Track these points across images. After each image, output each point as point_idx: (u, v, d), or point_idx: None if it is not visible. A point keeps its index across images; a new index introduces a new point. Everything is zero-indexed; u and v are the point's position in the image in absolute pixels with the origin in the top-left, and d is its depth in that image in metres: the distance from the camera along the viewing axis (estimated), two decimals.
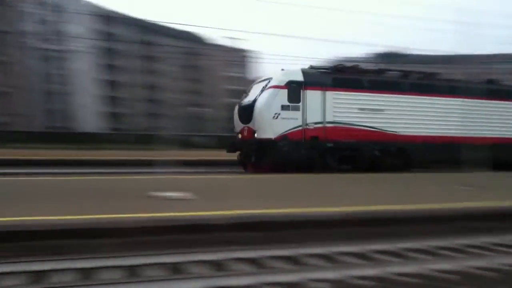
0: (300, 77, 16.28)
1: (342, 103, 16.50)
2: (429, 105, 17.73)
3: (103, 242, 6.64)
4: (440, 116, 17.81)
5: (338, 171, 15.84)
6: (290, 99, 15.88)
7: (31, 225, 6.63)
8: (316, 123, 16.03)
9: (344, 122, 16.45)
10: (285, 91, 15.92)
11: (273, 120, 15.76)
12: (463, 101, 18.06)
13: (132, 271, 5.66)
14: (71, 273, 5.53)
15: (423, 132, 17.50)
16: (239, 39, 50.67)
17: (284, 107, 15.79)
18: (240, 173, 16.77)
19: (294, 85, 16.07)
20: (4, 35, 35.05)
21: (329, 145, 16.18)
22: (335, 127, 16.29)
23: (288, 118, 15.79)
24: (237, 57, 69.95)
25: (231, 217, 7.37)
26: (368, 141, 16.68)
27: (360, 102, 16.83)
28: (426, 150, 17.22)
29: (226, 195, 10.13)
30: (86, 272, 5.59)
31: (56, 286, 5.10)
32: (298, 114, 15.85)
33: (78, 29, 49.40)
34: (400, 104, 17.36)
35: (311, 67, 17.86)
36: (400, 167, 16.50)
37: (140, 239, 6.84)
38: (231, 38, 53.37)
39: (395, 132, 16.97)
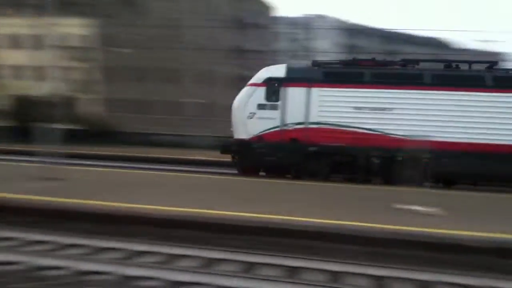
0: (281, 73, 14.60)
1: (330, 100, 14.08)
2: (458, 102, 13.54)
3: (350, 248, 6.85)
4: (475, 117, 13.42)
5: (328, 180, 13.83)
6: (268, 97, 14.39)
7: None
8: (297, 123, 14.03)
9: (332, 122, 13.99)
10: (263, 88, 14.50)
11: (247, 120, 14.50)
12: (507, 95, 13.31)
13: (379, 282, 5.68)
14: (322, 274, 5.91)
15: (447, 137, 13.38)
16: (492, 41, 44.77)
17: (260, 106, 14.44)
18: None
19: (274, 82, 14.42)
20: (259, 54, 40.32)
21: (312, 148, 13.98)
22: (320, 128, 13.99)
23: (265, 118, 14.32)
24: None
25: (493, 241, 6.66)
26: (364, 146, 13.71)
27: (355, 99, 13.97)
28: (451, 160, 13.17)
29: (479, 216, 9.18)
30: (334, 275, 5.88)
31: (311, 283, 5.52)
32: (276, 114, 14.29)
33: (324, 44, 52.55)
34: (413, 101, 13.69)
35: (314, 63, 15.47)
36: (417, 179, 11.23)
37: (385, 250, 6.80)
38: (482, 41, 48.25)
39: (405, 136, 13.25)
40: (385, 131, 13.64)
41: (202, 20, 34.32)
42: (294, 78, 14.39)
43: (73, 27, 32.81)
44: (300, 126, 14.14)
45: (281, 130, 14.27)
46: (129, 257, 6.49)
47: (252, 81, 15.00)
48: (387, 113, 13.69)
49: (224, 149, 15.38)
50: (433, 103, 13.48)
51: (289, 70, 14.77)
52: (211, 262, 6.30)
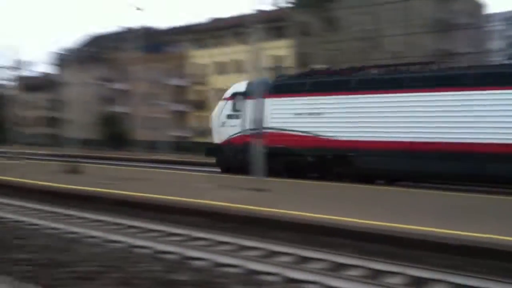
0: (243, 89, 17.25)
1: (276, 109, 16.33)
2: (384, 104, 14.32)
3: None
4: (400, 117, 14.03)
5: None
6: (234, 109, 17.33)
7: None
8: (253, 129, 14.74)
9: (278, 127, 16.30)
10: (230, 102, 17.55)
11: (220, 128, 17.71)
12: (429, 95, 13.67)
13: None
14: None
15: (373, 136, 14.35)
16: None
17: (229, 116, 17.40)
18: None
19: (239, 96, 17.19)
20: (467, 56, 36.41)
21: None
22: (269, 132, 15.61)
23: (232, 126, 17.17)
24: None
25: None
26: (300, 147, 15.77)
27: (296, 106, 16.03)
28: (378, 159, 14.17)
29: None
30: None
31: None
32: (239, 122, 16.97)
33: None
34: (339, 105, 15.02)
35: (278, 76, 18.92)
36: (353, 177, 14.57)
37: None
38: None
39: (332, 137, 15.00)
40: (317, 133, 15.48)
41: (401, 27, 33.08)
42: (251, 91, 15.54)
43: (272, 49, 35.17)
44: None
45: (242, 135, 16.76)
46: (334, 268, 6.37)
47: (224, 96, 18.36)
48: (318, 118, 15.53)
49: (207, 152, 19.19)
50: (356, 106, 14.71)
51: (249, 85, 16.92)
52: None
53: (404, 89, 14.12)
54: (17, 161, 22.20)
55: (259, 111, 14.51)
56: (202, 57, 50.52)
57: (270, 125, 16.07)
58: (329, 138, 15.06)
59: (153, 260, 6.10)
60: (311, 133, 15.59)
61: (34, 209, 10.72)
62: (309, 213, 8.75)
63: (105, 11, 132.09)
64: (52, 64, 65.72)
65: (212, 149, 18.41)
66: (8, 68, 23.45)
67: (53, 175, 15.42)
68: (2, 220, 9.23)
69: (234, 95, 17.65)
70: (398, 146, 13.89)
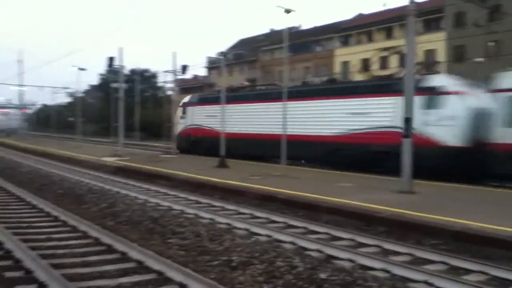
0: (187, 100, 28.26)
1: (198, 113, 26.52)
2: (239, 110, 23.08)
3: None
4: (252, 118, 22.88)
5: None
6: (183, 113, 27.85)
7: None
8: (189, 125, 26.91)
9: (199, 124, 26.20)
10: (181, 108, 28.35)
11: (178, 125, 28.29)
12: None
13: None
14: None
15: (239, 130, 22.48)
16: None
17: (181, 117, 27.96)
18: None
19: (185, 104, 28.02)
20: None
21: (193, 139, 26.49)
22: (195, 128, 26.46)
23: (182, 123, 27.68)
24: None
25: None
26: (208, 136, 24.62)
27: (205, 112, 25.72)
28: (241, 144, 21.95)
29: None
30: None
31: None
32: (185, 121, 27.42)
33: None
34: (227, 111, 20.79)
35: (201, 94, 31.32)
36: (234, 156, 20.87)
37: None
38: None
39: (220, 130, 20.48)
40: (214, 127, 23.67)
41: None
42: (191, 102, 27.67)
43: (424, 43, 33.08)
44: (190, 127, 26.90)
45: (185, 129, 27.20)
46: None
47: (179, 104, 28.81)
48: (214, 119, 23.65)
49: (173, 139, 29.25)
50: (232, 112, 22.15)
51: (191, 97, 28.38)
52: None
53: (264, 100, 22.62)
54: (171, 155, 24.95)
55: (191, 115, 26.87)
56: (348, 55, 49.90)
57: (196, 123, 26.49)
58: (219, 130, 20.78)
59: (295, 255, 6.19)
60: (212, 128, 24.40)
61: (187, 199, 11.73)
62: (463, 220, 8.06)
63: (255, 15, 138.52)
64: (204, 67, 71.24)
65: (174, 138, 29.01)
66: (171, 72, 27.57)
67: (203, 169, 16.69)
68: (161, 207, 10.28)
69: (183, 104, 28.19)
70: (255, 136, 22.04)
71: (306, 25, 69.91)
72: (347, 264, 6.27)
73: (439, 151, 14.84)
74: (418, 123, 13.69)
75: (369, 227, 8.65)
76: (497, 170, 14.05)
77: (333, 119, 18.64)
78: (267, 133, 20.98)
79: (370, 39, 49.05)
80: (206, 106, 25.73)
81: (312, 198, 10.58)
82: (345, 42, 53.32)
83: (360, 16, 55.21)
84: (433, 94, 15.51)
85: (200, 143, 25.37)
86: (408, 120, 11.80)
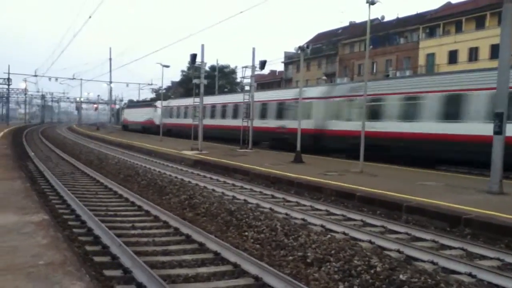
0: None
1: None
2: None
3: None
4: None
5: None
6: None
7: None
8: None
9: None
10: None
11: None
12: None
13: None
14: None
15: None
16: None
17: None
18: None
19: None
20: None
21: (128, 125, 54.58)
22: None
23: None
24: None
25: None
26: (136, 123, 51.84)
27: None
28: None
29: None
30: None
31: None
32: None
33: None
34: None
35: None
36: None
37: None
38: None
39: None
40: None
41: None
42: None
43: None
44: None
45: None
46: None
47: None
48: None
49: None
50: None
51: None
52: None
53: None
54: (247, 150, 24.75)
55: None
56: (433, 46, 47.55)
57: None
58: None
59: (372, 254, 6.00)
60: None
61: (262, 193, 11.82)
62: None
63: (334, 8, 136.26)
64: (282, 62, 71.31)
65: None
66: (249, 67, 25.73)
67: (278, 164, 16.71)
68: (237, 200, 10.44)
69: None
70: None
71: (389, 16, 67.41)
72: (428, 266, 5.98)
73: None
74: None
75: (454, 228, 8.18)
76: None
77: None
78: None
79: (459, 30, 46.32)
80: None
81: (392, 197, 10.20)
82: (430, 34, 50.73)
83: (448, 5, 52.22)
84: None
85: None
86: (500, 115, 10.97)
